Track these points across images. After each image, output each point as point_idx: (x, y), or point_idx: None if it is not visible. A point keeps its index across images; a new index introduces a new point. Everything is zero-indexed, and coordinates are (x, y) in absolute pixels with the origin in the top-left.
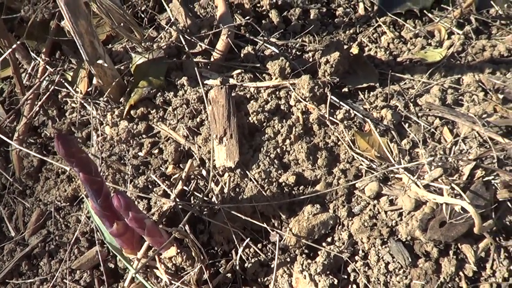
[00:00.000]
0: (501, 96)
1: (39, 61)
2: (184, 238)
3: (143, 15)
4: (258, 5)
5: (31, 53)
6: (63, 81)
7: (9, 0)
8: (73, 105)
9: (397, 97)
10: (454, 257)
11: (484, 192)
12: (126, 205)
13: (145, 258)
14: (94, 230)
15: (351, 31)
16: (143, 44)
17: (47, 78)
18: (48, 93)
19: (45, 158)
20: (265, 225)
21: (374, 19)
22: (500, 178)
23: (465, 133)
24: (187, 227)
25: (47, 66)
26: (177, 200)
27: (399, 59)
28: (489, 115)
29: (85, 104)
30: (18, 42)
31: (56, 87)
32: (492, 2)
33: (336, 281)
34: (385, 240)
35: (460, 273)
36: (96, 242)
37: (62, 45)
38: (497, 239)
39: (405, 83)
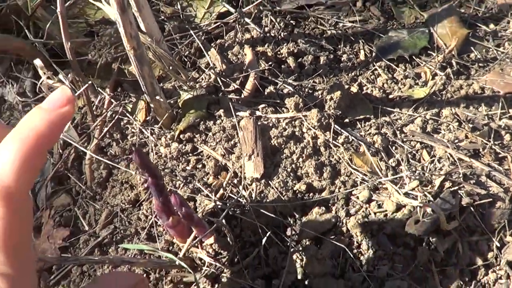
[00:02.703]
0: (471, 126)
1: (105, 96)
2: (222, 227)
3: (186, 60)
4: (279, 53)
5: (97, 89)
6: (124, 111)
7: (77, 46)
8: (133, 130)
9: (387, 126)
10: (427, 247)
11: (451, 199)
12: (181, 203)
13: (191, 245)
14: (151, 225)
15: (353, 73)
16: (187, 83)
17: (111, 109)
18: (113, 120)
19: (117, 166)
20: (283, 220)
21: (372, 63)
22: (465, 188)
23: (440, 155)
24: (223, 221)
25: (112, 100)
26: (216, 201)
27: (390, 96)
28: (460, 140)
29: (143, 129)
30: (90, 82)
31: (119, 116)
32: (472, 48)
33: (336, 264)
34: (374, 234)
35: (431, 259)
36: (152, 235)
37: (123, 83)
38: (462, 235)
39: (394, 115)
